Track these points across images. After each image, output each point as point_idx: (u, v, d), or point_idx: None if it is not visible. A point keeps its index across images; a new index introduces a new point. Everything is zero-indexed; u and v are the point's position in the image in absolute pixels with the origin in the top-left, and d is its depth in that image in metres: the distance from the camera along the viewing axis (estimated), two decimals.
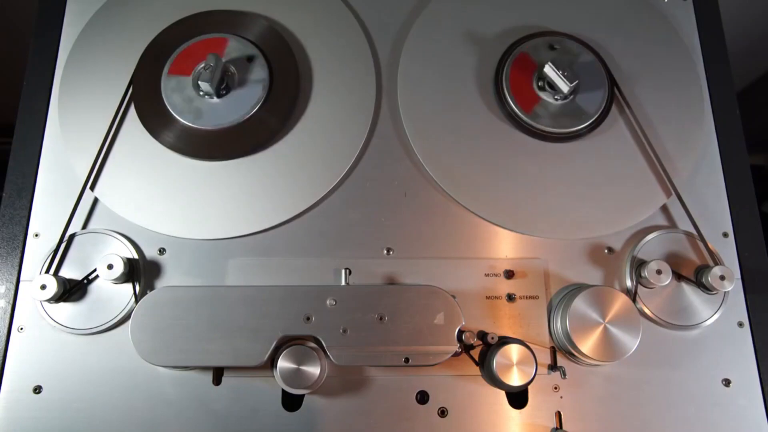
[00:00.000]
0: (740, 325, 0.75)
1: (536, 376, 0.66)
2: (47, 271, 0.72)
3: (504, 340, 0.68)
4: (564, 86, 0.76)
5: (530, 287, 0.75)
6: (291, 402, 0.70)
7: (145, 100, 0.79)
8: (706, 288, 0.74)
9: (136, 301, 0.69)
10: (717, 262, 0.75)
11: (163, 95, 0.79)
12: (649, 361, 0.73)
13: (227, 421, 0.69)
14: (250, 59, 0.80)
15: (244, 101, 0.79)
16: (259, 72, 0.80)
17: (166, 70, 0.80)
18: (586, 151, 0.80)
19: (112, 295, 0.72)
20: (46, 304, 0.72)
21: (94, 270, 0.72)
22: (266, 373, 0.70)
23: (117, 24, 0.84)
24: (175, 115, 0.78)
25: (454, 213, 0.78)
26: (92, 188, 0.77)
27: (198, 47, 0.80)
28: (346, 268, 0.70)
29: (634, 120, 0.81)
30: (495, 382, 0.68)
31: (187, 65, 0.79)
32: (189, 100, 0.78)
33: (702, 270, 0.74)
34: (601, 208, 0.78)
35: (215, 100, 0.78)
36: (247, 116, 0.78)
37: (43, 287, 0.69)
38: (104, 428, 0.69)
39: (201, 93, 0.78)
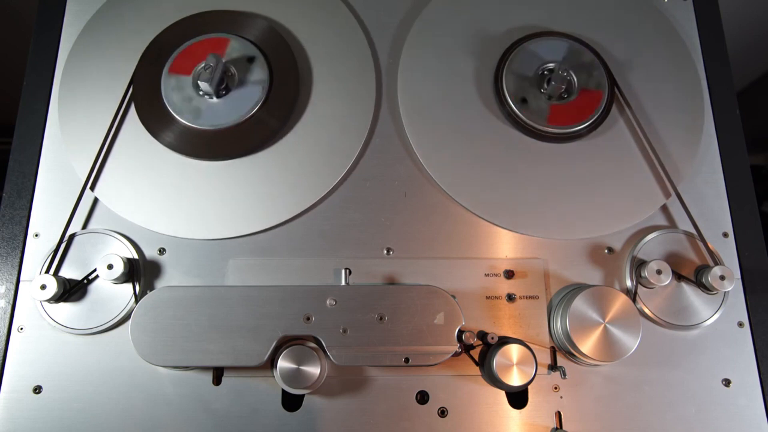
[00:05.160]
0: (740, 325, 0.75)
1: (536, 376, 0.66)
2: (47, 271, 0.72)
3: (504, 340, 0.68)
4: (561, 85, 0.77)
5: (530, 287, 0.75)
6: (291, 402, 0.70)
7: (145, 100, 0.79)
8: (706, 288, 0.74)
9: (136, 301, 0.69)
10: (717, 262, 0.75)
11: (163, 95, 0.79)
12: (649, 361, 0.73)
13: (227, 421, 0.69)
14: (250, 60, 0.80)
15: (244, 101, 0.79)
16: (259, 72, 0.80)
17: (166, 69, 0.80)
18: (586, 151, 0.80)
19: (112, 295, 0.72)
20: (46, 304, 0.72)
21: (94, 270, 0.72)
22: (266, 373, 0.70)
23: (117, 24, 0.84)
24: (175, 115, 0.78)
25: (454, 213, 0.78)
26: (92, 188, 0.77)
27: (199, 47, 0.80)
28: (346, 268, 0.70)
29: (634, 120, 0.81)
30: (495, 382, 0.68)
31: (187, 65, 0.79)
32: (189, 100, 0.78)
33: (702, 270, 0.74)
34: (601, 208, 0.78)
35: (215, 100, 0.78)
36: (247, 116, 0.78)
37: (43, 287, 0.69)
38: (104, 428, 0.69)
39: (201, 93, 0.78)
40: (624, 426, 0.71)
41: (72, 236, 0.74)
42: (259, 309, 0.66)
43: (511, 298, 0.74)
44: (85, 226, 0.76)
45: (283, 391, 0.69)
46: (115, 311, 0.72)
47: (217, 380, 0.69)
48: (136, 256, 0.74)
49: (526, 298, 0.74)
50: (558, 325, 0.71)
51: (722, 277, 0.71)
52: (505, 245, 0.77)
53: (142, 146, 0.78)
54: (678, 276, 0.75)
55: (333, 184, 0.77)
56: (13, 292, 0.73)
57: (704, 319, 0.74)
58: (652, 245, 0.76)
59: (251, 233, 0.75)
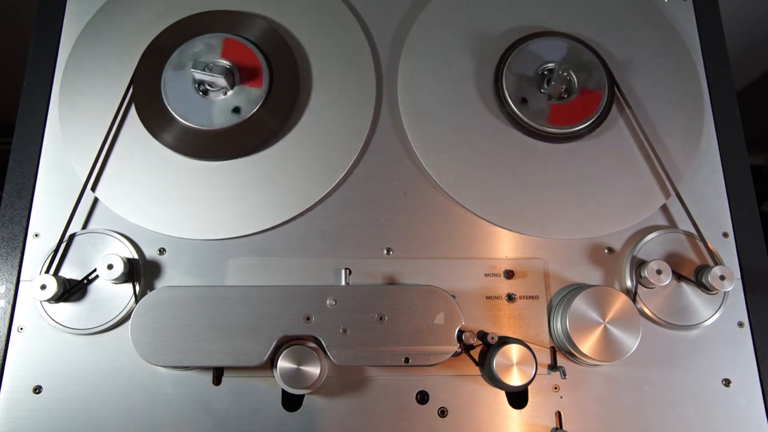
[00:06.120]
0: (740, 325, 0.75)
1: (536, 376, 0.66)
2: (47, 271, 0.72)
3: (504, 340, 0.68)
4: (559, 87, 0.77)
5: (530, 287, 0.75)
6: (291, 402, 0.70)
7: (145, 100, 0.79)
8: (706, 288, 0.74)
9: (136, 301, 0.69)
10: (717, 262, 0.75)
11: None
12: (649, 361, 0.73)
13: (227, 421, 0.69)
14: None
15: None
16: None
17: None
18: (586, 151, 0.80)
19: (112, 295, 0.72)
20: (46, 304, 0.72)
21: (94, 270, 0.72)
22: (266, 373, 0.70)
23: (117, 24, 0.84)
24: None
25: (454, 213, 0.78)
26: (92, 188, 0.77)
27: None
28: (346, 268, 0.70)
29: (634, 120, 0.81)
30: (495, 382, 0.68)
31: None
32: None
33: (702, 270, 0.74)
34: (601, 208, 0.78)
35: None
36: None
37: (43, 287, 0.69)
38: (104, 428, 0.69)
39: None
40: (624, 426, 0.71)
41: (72, 236, 0.74)
42: (259, 309, 0.66)
43: (511, 298, 0.74)
44: (85, 226, 0.76)
45: (283, 391, 0.69)
46: (115, 311, 0.72)
47: (217, 380, 0.69)
48: (136, 256, 0.74)
49: (526, 298, 0.74)
50: (558, 325, 0.71)
51: (722, 277, 0.71)
52: (505, 245, 0.77)
53: (142, 146, 0.78)
54: (678, 276, 0.75)
55: (333, 184, 0.77)
56: (13, 292, 0.73)
57: (704, 319, 0.74)
58: (652, 245, 0.76)
59: (251, 233, 0.75)
